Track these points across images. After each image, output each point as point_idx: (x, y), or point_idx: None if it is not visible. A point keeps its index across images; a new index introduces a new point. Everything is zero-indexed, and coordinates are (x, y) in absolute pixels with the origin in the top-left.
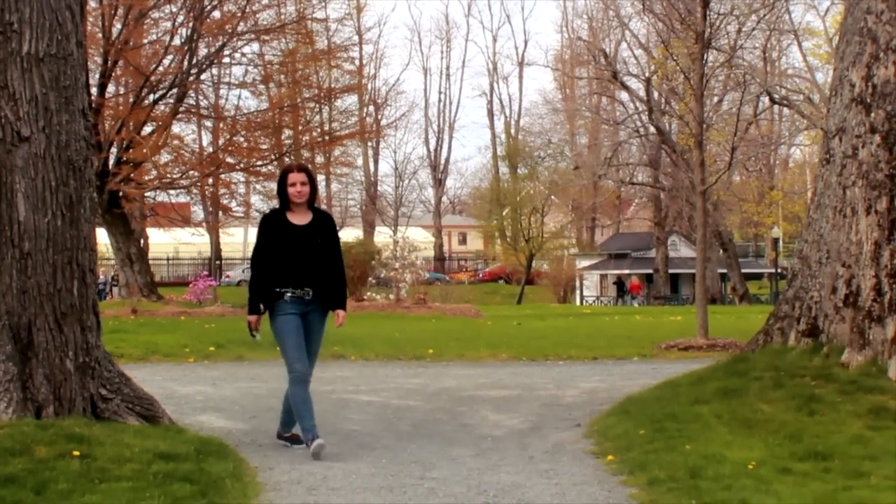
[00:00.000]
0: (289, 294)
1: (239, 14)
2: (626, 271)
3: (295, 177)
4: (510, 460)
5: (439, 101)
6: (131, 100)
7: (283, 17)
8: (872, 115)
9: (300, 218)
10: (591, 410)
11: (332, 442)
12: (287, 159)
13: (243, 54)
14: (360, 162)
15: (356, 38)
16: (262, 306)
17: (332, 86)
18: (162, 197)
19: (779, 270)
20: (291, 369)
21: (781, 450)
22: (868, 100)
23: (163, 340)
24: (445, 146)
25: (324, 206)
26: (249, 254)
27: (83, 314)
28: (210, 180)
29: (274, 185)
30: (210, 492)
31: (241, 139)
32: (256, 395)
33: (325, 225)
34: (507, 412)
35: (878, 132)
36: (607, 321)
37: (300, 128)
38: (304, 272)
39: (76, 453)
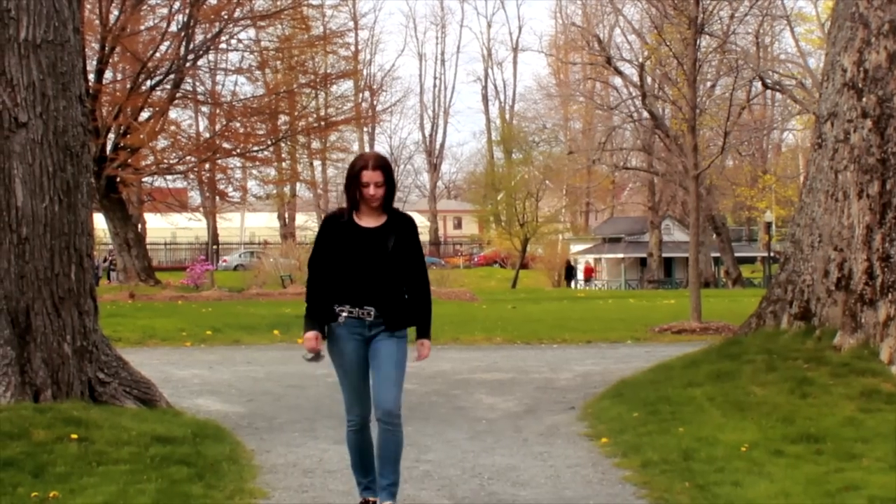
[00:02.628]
0: (344, 314)
1: (235, 0)
2: (620, 255)
3: (370, 176)
4: (505, 443)
5: (434, 86)
6: (128, 86)
7: (278, 3)
8: (864, 99)
9: (370, 220)
10: (585, 393)
11: (329, 425)
12: (283, 145)
13: (239, 40)
14: (355, 147)
15: (351, 24)
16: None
17: (328, 72)
18: (159, 182)
19: (772, 254)
20: (349, 412)
21: (774, 432)
22: (860, 85)
23: (160, 324)
24: (440, 131)
25: (319, 192)
26: (246, 238)
27: (81, 298)
28: (207, 165)
29: (270, 171)
30: (207, 474)
31: (238, 125)
32: (253, 379)
33: (401, 229)
34: (502, 395)
35: (870, 117)
36: (601, 305)
37: (296, 113)
38: (367, 286)
39: (74, 436)
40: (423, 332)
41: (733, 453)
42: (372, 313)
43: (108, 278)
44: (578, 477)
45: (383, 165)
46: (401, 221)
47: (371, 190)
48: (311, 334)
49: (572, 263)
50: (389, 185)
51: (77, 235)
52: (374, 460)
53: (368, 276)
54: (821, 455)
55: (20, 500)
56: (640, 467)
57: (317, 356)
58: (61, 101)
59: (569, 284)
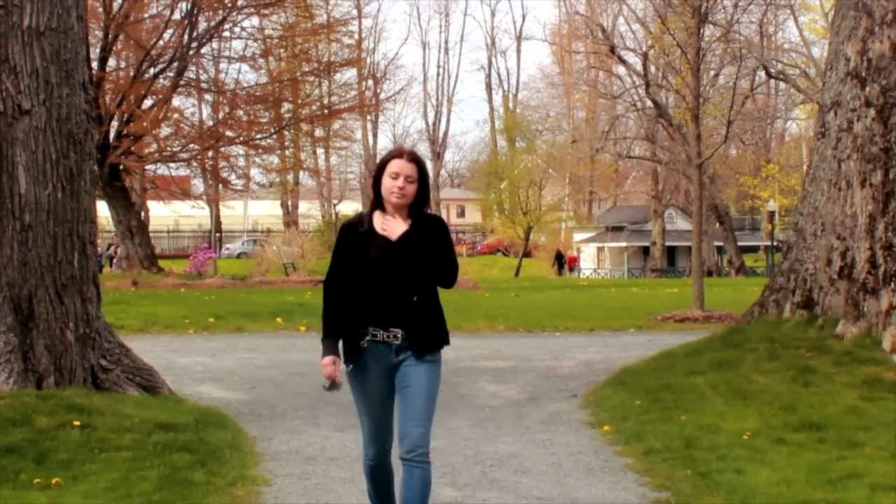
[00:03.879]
0: (368, 338)
1: None
2: (623, 244)
3: (401, 166)
4: (507, 430)
5: (438, 75)
6: (132, 74)
7: None
8: (867, 88)
9: (394, 224)
10: (587, 381)
11: (331, 413)
12: (286, 133)
13: (243, 28)
14: (359, 136)
15: (355, 12)
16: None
17: (331, 60)
18: (162, 170)
19: (775, 243)
20: (366, 450)
21: (776, 420)
22: (863, 74)
23: (163, 312)
24: (444, 120)
25: (322, 180)
26: (249, 226)
27: (83, 285)
28: (210, 153)
29: (273, 159)
30: (209, 461)
31: (241, 113)
32: (256, 366)
33: (431, 236)
34: (504, 383)
35: (873, 106)
36: (604, 293)
37: (299, 101)
38: (392, 305)
39: (77, 423)
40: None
41: (735, 441)
42: (399, 336)
43: (111, 265)
44: (580, 464)
45: (418, 161)
46: (428, 224)
47: (400, 182)
48: (326, 360)
49: (561, 252)
50: (423, 185)
51: (80, 223)
52: (393, 495)
53: (393, 292)
54: (823, 443)
55: (22, 486)
56: (643, 455)
57: (334, 384)
58: (65, 88)
59: (559, 272)
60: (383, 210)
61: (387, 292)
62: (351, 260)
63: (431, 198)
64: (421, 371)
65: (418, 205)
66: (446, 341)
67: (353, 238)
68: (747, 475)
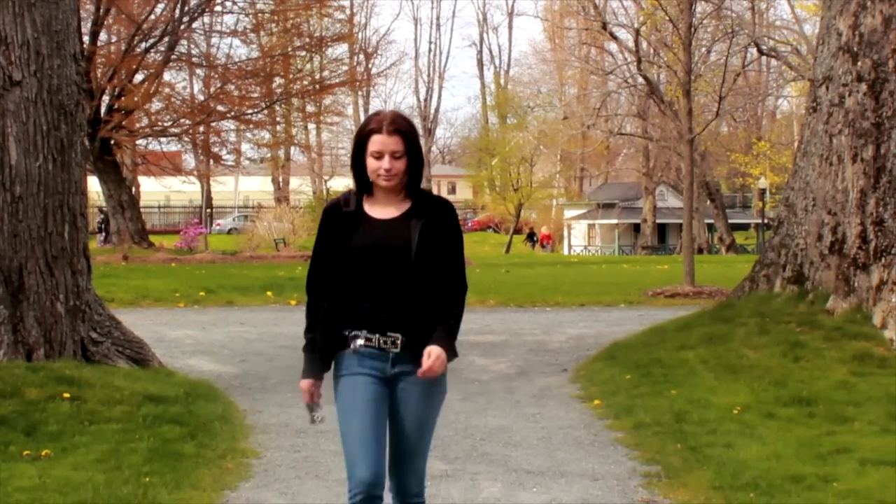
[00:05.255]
0: (360, 342)
1: None
2: (614, 221)
3: (383, 143)
4: (497, 404)
5: (429, 51)
6: (123, 48)
7: None
8: (859, 63)
9: (388, 208)
10: (577, 356)
11: (322, 387)
12: (278, 108)
13: (234, 2)
14: (350, 111)
15: None
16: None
17: (323, 35)
18: (153, 145)
19: (765, 221)
20: (350, 475)
21: (766, 395)
22: (855, 48)
23: (153, 285)
24: (435, 96)
25: (313, 156)
26: (240, 202)
27: (74, 258)
28: (201, 128)
29: (265, 134)
30: (199, 434)
31: (232, 87)
32: (246, 340)
33: (434, 218)
34: (495, 357)
35: (865, 81)
36: (594, 269)
37: (291, 76)
38: (389, 304)
39: (66, 395)
40: (440, 339)
41: (725, 415)
42: (399, 342)
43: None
44: (570, 438)
45: (403, 129)
46: (433, 207)
47: (386, 163)
48: (305, 383)
49: (533, 230)
50: (413, 156)
51: (71, 194)
52: None
53: (389, 289)
54: (813, 418)
55: (12, 458)
56: (633, 429)
57: (314, 410)
58: (56, 59)
59: (532, 248)
60: (370, 194)
61: (380, 288)
62: (336, 248)
63: (423, 174)
64: (420, 394)
65: (413, 180)
66: (454, 353)
67: (339, 222)
68: (737, 449)
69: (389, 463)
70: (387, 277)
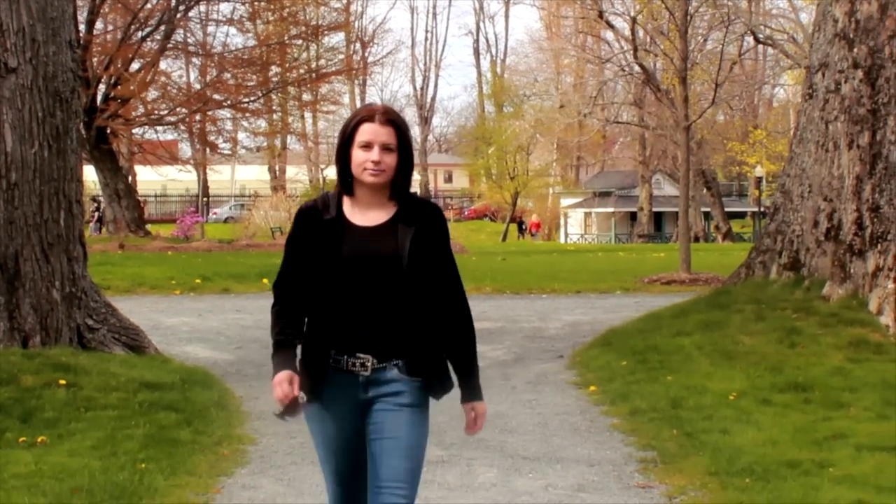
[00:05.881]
0: (333, 364)
1: None
2: (611, 209)
3: (374, 132)
4: (493, 391)
5: (426, 39)
6: (119, 36)
7: None
8: (855, 50)
9: (370, 212)
10: (573, 342)
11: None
12: (274, 96)
13: None
14: (346, 100)
15: None
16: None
17: (319, 23)
18: (149, 134)
19: (762, 209)
20: None
21: (762, 381)
22: (851, 35)
23: (149, 273)
24: (431, 85)
25: (310, 145)
26: (237, 191)
27: (70, 245)
28: (197, 117)
29: (261, 123)
30: (195, 420)
31: (229, 76)
32: (242, 327)
33: (422, 225)
34: (491, 344)
35: (861, 67)
36: (591, 257)
37: (287, 65)
38: (364, 321)
39: (62, 382)
40: (470, 388)
41: (721, 402)
42: (369, 365)
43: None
44: (566, 424)
45: (398, 121)
46: (420, 212)
47: (375, 154)
48: (281, 376)
49: (522, 219)
50: (404, 156)
51: (66, 181)
52: None
53: (368, 305)
54: (809, 404)
55: (8, 444)
56: (629, 415)
57: (292, 408)
58: (51, 46)
59: (521, 237)
60: (351, 194)
61: (357, 305)
62: (314, 259)
63: (419, 163)
64: (399, 416)
65: (401, 182)
66: (450, 382)
67: (316, 229)
68: (733, 435)
69: (373, 494)
70: (373, 292)
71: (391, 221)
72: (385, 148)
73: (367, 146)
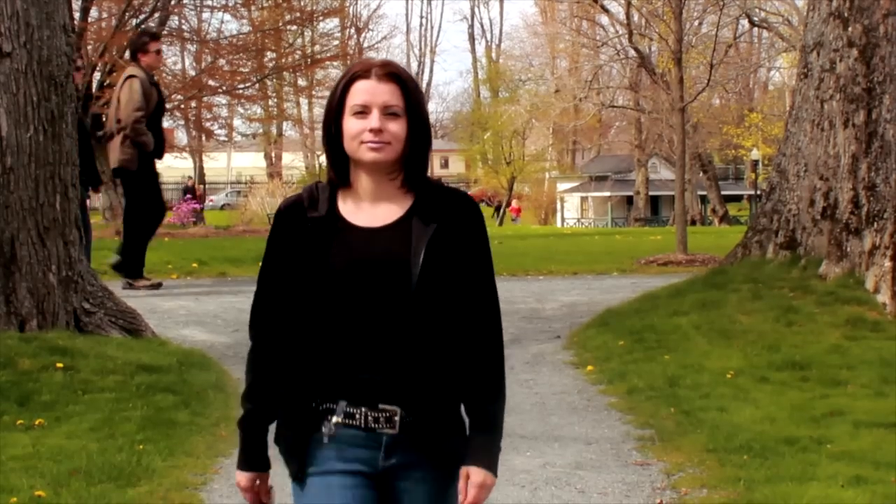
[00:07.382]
0: (336, 419)
1: None
2: (607, 193)
3: (370, 91)
4: None
5: (421, 25)
6: (114, 24)
7: None
8: (850, 28)
9: (376, 207)
10: (570, 323)
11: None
12: (269, 82)
13: None
14: None
15: None
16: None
17: (314, 9)
18: None
19: (758, 192)
20: None
21: (759, 360)
22: (846, 14)
23: (146, 257)
24: (427, 70)
25: (306, 131)
26: (233, 178)
27: (66, 228)
28: (193, 104)
29: (256, 109)
30: (192, 402)
31: (223, 62)
32: (239, 310)
33: (451, 226)
34: None
35: (856, 46)
36: (587, 240)
37: (282, 51)
38: (379, 358)
39: (60, 365)
40: (480, 449)
41: (719, 380)
42: (396, 420)
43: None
44: (564, 404)
45: (401, 76)
46: (447, 206)
47: (374, 120)
48: (243, 478)
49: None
50: (416, 122)
51: (62, 165)
52: None
53: (380, 335)
54: (806, 382)
55: (6, 427)
56: (626, 394)
57: None
58: (45, 30)
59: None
60: (347, 184)
61: (368, 333)
62: (297, 274)
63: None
64: (427, 493)
65: (415, 163)
66: (496, 463)
67: (300, 232)
68: (731, 413)
69: None
70: (376, 317)
71: (404, 218)
72: (388, 112)
73: (363, 111)
